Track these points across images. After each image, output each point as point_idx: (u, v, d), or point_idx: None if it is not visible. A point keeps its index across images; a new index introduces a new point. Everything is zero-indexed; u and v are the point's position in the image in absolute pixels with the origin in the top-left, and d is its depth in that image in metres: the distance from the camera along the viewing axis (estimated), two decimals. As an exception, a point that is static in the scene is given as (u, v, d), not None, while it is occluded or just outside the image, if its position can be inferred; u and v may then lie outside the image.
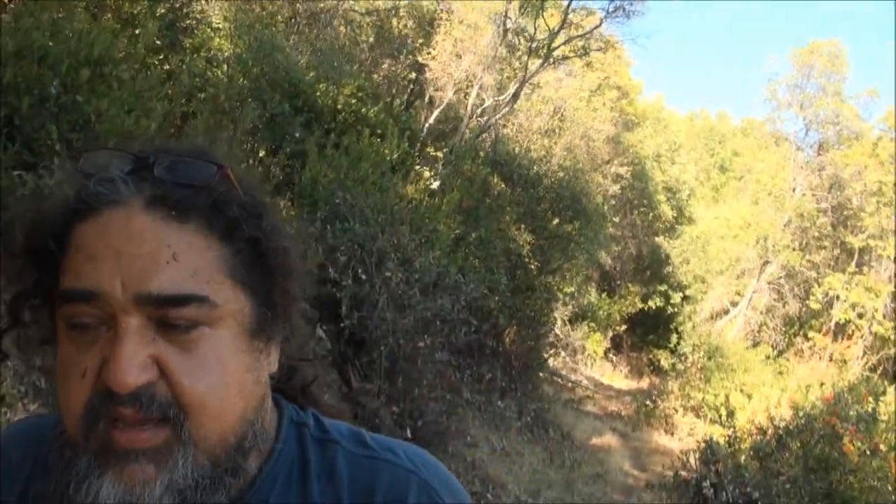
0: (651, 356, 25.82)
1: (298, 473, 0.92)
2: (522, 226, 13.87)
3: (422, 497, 0.91)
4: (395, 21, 19.70)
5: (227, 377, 0.83)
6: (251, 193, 0.90)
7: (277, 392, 1.00)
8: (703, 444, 9.09)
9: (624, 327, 25.58)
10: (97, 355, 0.81)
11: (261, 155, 8.79)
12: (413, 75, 18.93)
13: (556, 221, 14.95)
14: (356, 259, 7.07)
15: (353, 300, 6.94)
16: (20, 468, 0.96)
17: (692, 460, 8.95)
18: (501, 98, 17.30)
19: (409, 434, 6.93)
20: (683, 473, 9.28)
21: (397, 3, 19.84)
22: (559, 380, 17.66)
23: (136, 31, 7.11)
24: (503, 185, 14.04)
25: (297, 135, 8.93)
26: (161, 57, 8.79)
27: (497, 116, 17.33)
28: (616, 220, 22.37)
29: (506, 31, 17.41)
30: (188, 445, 0.81)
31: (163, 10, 9.11)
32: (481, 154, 14.82)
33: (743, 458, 9.01)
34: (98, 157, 0.88)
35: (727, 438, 9.35)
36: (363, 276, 7.01)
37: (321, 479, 0.92)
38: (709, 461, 8.61)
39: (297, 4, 14.00)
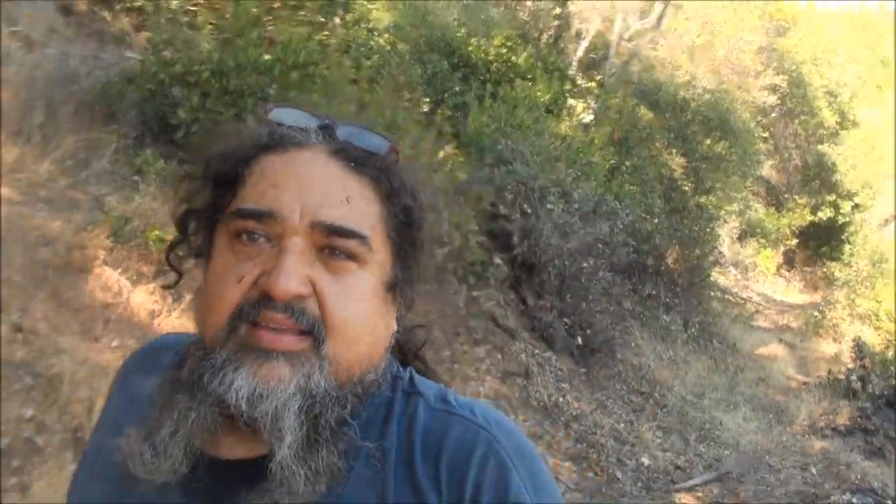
0: (825, 269, 25.34)
1: (382, 416, 0.97)
2: (673, 150, 14.31)
3: (489, 451, 0.93)
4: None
5: (365, 313, 0.93)
6: (411, 174, 1.02)
7: (394, 350, 1.08)
8: (853, 345, 9.62)
9: (795, 241, 25.15)
10: (258, 266, 0.89)
11: (425, 110, 9.82)
12: (558, 10, 19.28)
13: (707, 142, 15.26)
14: (521, 196, 8.08)
15: (522, 231, 7.97)
16: (158, 365, 1.03)
17: (847, 359, 9.51)
18: (646, 21, 17.52)
19: (579, 341, 7.94)
20: (838, 374, 9.85)
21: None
22: (729, 297, 17.84)
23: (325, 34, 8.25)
24: (651, 114, 14.49)
25: (456, 89, 9.93)
26: (326, 33, 9.98)
27: (643, 41, 17.65)
28: (765, 134, 21.97)
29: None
30: (323, 360, 0.88)
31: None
32: (630, 84, 15.26)
33: (891, 353, 9.49)
34: (287, 111, 0.99)
35: (882, 340, 9.81)
36: (528, 210, 8.02)
37: (400, 424, 0.97)
38: (859, 358, 9.17)
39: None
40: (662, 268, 12.05)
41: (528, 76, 11.24)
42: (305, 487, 0.87)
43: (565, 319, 8.06)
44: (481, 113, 9.09)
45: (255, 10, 7.25)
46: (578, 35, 17.92)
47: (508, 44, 11.76)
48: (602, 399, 8.04)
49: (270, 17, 8.57)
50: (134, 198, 5.47)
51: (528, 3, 18.95)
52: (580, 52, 16.64)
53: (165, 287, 1.31)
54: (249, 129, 1.00)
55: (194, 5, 9.17)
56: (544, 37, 18.59)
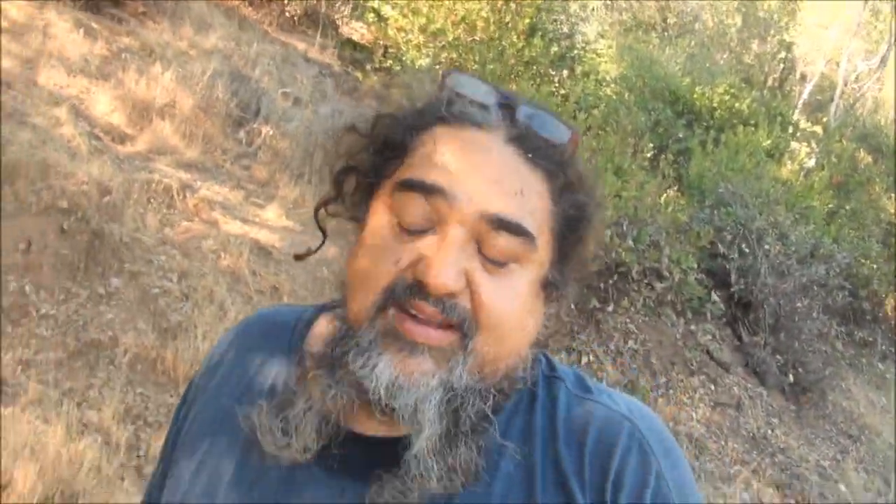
0: None
1: (527, 403, 0.97)
2: (893, 195, 14.19)
3: (631, 442, 0.92)
4: (759, 2, 20.20)
5: (517, 310, 0.90)
6: (587, 169, 0.98)
7: None
8: None
9: None
10: (415, 251, 0.87)
11: (648, 155, 10.52)
12: (782, 54, 19.34)
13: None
14: (740, 237, 8.64)
15: (740, 270, 8.53)
16: (272, 337, 1.07)
17: None
18: (871, 62, 17.34)
19: (790, 379, 8.35)
20: None
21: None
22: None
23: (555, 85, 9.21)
24: (870, 158, 14.43)
25: (680, 135, 10.59)
26: (556, 85, 10.94)
27: (867, 84, 17.46)
28: None
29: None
30: (470, 356, 0.87)
31: (556, 49, 11.23)
32: (849, 129, 15.24)
33: None
34: (468, 81, 0.95)
35: None
36: (746, 250, 8.56)
37: (544, 410, 0.96)
38: None
39: (667, 14, 15.47)
40: (880, 314, 12.00)
41: (751, 122, 11.69)
42: (439, 484, 0.86)
43: (778, 357, 8.49)
44: (704, 158, 9.71)
45: (499, 70, 8.27)
46: (803, 78, 18.00)
47: (732, 90, 12.28)
48: (810, 436, 8.37)
49: (512, 75, 9.64)
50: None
51: (754, 48, 19.18)
52: (805, 96, 16.74)
53: (298, 257, 1.13)
54: (426, 93, 0.97)
55: (437, 63, 10.42)
56: (769, 80, 18.76)
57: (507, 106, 0.92)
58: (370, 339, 0.87)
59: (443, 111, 0.92)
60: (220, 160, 6.86)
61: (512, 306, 0.89)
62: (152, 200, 5.84)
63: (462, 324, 0.86)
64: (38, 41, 7.24)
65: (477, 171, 0.87)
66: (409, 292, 0.86)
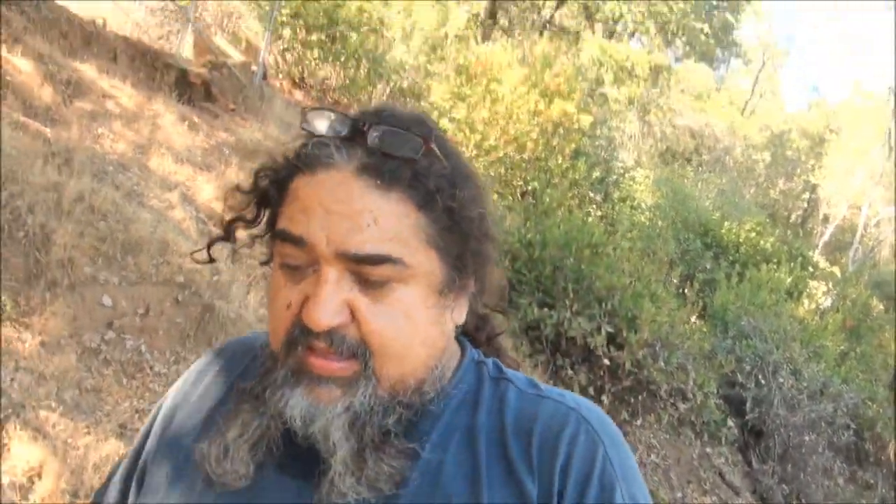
0: None
1: (470, 402, 0.99)
2: (904, 343, 14.82)
3: (578, 429, 0.94)
4: (788, 143, 21.16)
5: (411, 327, 0.92)
6: (454, 163, 0.98)
7: (466, 337, 1.10)
8: None
9: None
10: (301, 292, 0.92)
11: (675, 281, 11.29)
12: (806, 194, 20.20)
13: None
14: (757, 368, 9.36)
15: (755, 400, 9.23)
16: (233, 368, 1.12)
17: None
18: (890, 212, 18.14)
19: (795, 507, 8.97)
20: None
21: (788, 128, 21.45)
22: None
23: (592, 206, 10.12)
24: (881, 306, 15.14)
25: (707, 266, 11.39)
26: (594, 206, 11.81)
27: (889, 230, 18.26)
28: None
29: (892, 147, 18.21)
30: (371, 379, 0.91)
31: (597, 173, 12.16)
32: (865, 276, 15.98)
33: None
34: (319, 117, 0.96)
35: None
36: (762, 381, 9.27)
37: (491, 410, 0.98)
38: None
39: (702, 152, 16.48)
40: (882, 458, 12.50)
41: (774, 259, 12.48)
42: (362, 495, 0.91)
43: (784, 486, 9.10)
44: (728, 291, 10.47)
45: (556, 198, 9.16)
46: (826, 219, 18.84)
47: (758, 229, 13.12)
48: (809, 562, 8.92)
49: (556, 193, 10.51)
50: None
51: (780, 184, 20.10)
52: (826, 237, 17.55)
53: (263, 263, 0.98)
54: (289, 143, 1.00)
55: (499, 193, 11.32)
56: (793, 217, 19.65)
57: (357, 135, 0.94)
58: (283, 374, 0.93)
59: (294, 161, 0.96)
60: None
61: (402, 325, 0.92)
62: (253, 283, 6.63)
63: (356, 353, 0.91)
64: (147, 129, 8.15)
65: (329, 214, 0.90)
66: (303, 333, 0.91)
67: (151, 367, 5.48)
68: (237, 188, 1.05)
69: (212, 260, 1.11)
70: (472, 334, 1.14)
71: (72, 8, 9.69)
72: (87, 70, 8.44)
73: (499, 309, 1.17)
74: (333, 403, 0.91)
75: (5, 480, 4.11)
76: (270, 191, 0.99)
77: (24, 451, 4.30)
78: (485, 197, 1.02)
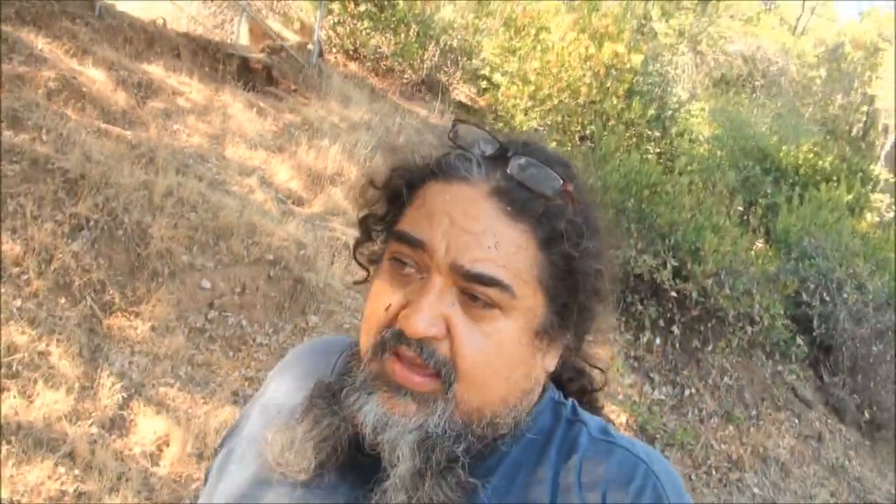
0: None
1: (542, 442, 0.99)
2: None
3: (646, 483, 0.94)
4: (842, 57, 20.93)
5: (501, 359, 0.93)
6: (587, 214, 0.99)
7: (558, 387, 1.10)
8: None
9: None
10: (403, 297, 0.93)
11: (739, 209, 11.61)
12: (865, 107, 20.07)
13: None
14: (822, 286, 9.75)
15: (821, 317, 9.67)
16: (317, 365, 1.12)
17: None
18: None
19: (866, 416, 9.39)
20: None
21: (841, 41, 21.21)
22: None
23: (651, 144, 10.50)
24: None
25: (768, 191, 11.69)
26: (652, 143, 12.14)
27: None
28: None
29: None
30: (450, 402, 0.91)
31: (652, 111, 12.45)
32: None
33: None
34: (468, 132, 1.00)
35: None
36: (827, 299, 9.67)
37: (560, 450, 0.98)
38: None
39: (756, 76, 16.53)
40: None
41: (834, 178, 12.70)
42: None
43: (855, 396, 9.55)
44: (789, 214, 10.80)
45: (613, 143, 9.57)
46: (885, 130, 18.76)
47: (815, 149, 13.31)
48: (882, 468, 9.31)
49: (613, 134, 10.88)
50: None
51: (838, 100, 19.99)
52: (888, 148, 17.52)
53: (356, 283, 1.09)
54: (431, 146, 1.02)
55: (558, 141, 11.71)
56: (853, 131, 19.58)
57: (500, 157, 0.95)
58: (363, 378, 0.94)
59: (433, 167, 0.97)
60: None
61: (493, 355, 0.91)
62: (336, 253, 7.24)
63: (441, 370, 0.90)
64: (219, 120, 8.78)
65: (454, 224, 0.91)
66: (395, 338, 0.91)
67: (254, 339, 6.15)
68: (370, 181, 1.06)
69: (363, 266, 1.10)
70: (565, 385, 1.13)
71: (130, 11, 10.32)
72: (155, 70, 9.07)
73: (599, 366, 1.16)
74: (408, 417, 0.91)
75: (137, 451, 4.79)
76: (403, 190, 1.00)
77: (150, 424, 4.95)
78: (605, 254, 1.02)
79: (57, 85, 7.57)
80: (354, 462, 0.97)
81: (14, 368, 4.82)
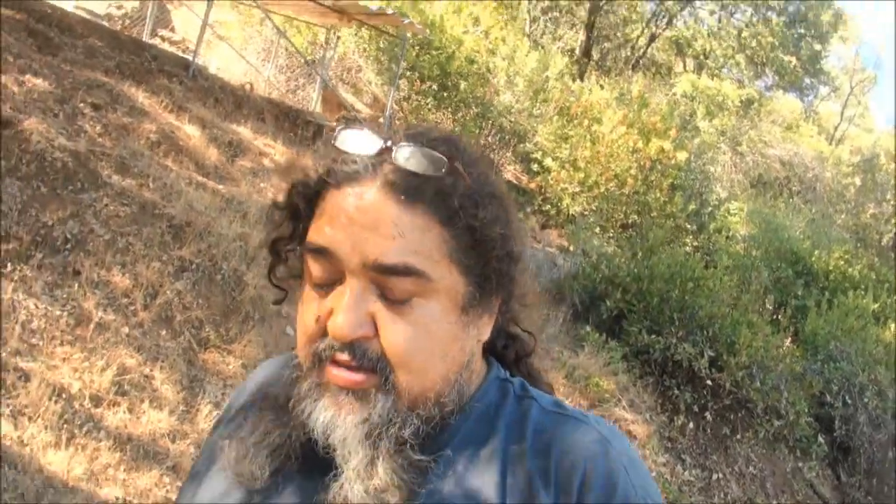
0: None
1: (490, 417, 1.01)
2: None
3: (599, 449, 0.95)
4: (877, 167, 21.51)
5: (432, 342, 0.94)
6: (479, 183, 1.00)
7: (494, 356, 1.11)
8: None
9: None
10: (328, 305, 0.95)
11: (770, 308, 12.17)
12: (894, 220, 20.62)
13: None
14: (844, 389, 10.26)
15: (842, 419, 10.19)
16: (269, 377, 1.15)
17: None
18: None
19: (883, 519, 9.86)
20: None
21: (878, 152, 21.85)
22: None
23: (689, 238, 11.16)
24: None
25: (798, 293, 12.26)
26: (690, 237, 12.77)
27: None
28: None
29: None
30: (390, 393, 0.93)
31: (693, 206, 13.12)
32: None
33: None
34: (349, 136, 0.99)
35: None
36: (849, 402, 10.17)
37: (510, 425, 0.99)
38: None
39: (793, 181, 17.20)
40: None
41: (862, 286, 13.24)
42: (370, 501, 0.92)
43: (870, 498, 10.02)
44: (818, 317, 11.35)
45: (660, 237, 10.24)
46: (917, 244, 19.26)
47: (846, 256, 13.90)
48: (896, 571, 9.76)
49: (654, 226, 11.54)
50: (578, 354, 8.50)
51: (870, 208, 20.54)
52: (916, 260, 17.99)
53: (275, 303, 1.09)
54: (318, 157, 1.02)
55: (601, 226, 12.36)
56: (884, 240, 20.10)
57: (384, 151, 0.96)
58: (307, 388, 0.97)
59: (323, 175, 0.98)
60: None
61: (423, 340, 0.93)
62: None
63: (376, 366, 0.93)
64: (302, 181, 9.49)
65: (354, 225, 0.92)
66: (328, 346, 0.94)
67: (330, 384, 6.77)
68: (273, 204, 1.07)
69: (279, 287, 1.12)
70: (500, 353, 1.14)
71: (211, 69, 11.11)
72: (243, 131, 9.84)
73: (529, 330, 1.17)
74: (353, 415, 0.93)
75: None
76: (301, 206, 1.01)
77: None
78: (510, 217, 1.03)
79: (157, 137, 8.28)
80: (311, 465, 0.99)
81: (124, 387, 5.41)
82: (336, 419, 0.94)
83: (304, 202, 1.01)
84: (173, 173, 7.65)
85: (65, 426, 4.85)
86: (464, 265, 0.96)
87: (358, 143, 0.98)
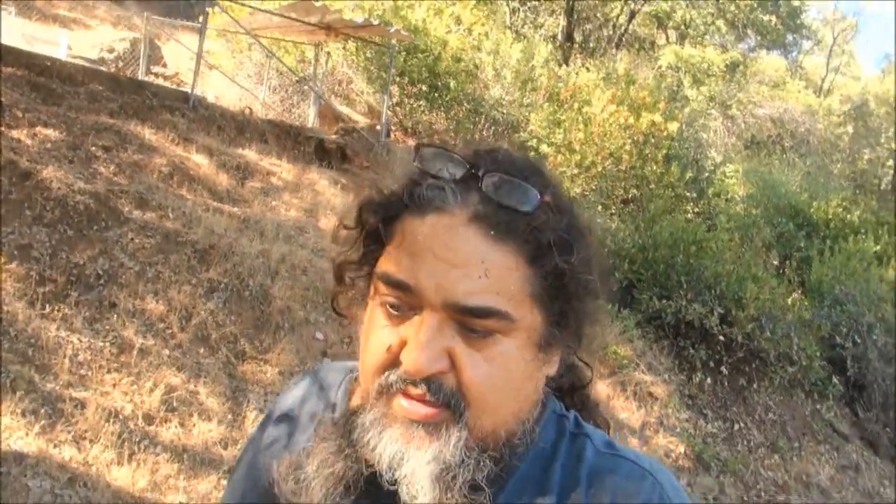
0: None
1: (547, 456, 0.98)
2: None
3: (652, 495, 0.94)
4: (868, 113, 21.73)
5: (509, 380, 0.91)
6: (569, 219, 0.96)
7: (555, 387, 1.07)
8: None
9: None
10: (401, 335, 0.91)
11: (775, 263, 12.50)
12: (891, 162, 20.85)
13: None
14: (853, 330, 10.62)
15: (854, 358, 10.59)
16: (323, 396, 1.14)
17: None
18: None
19: (900, 448, 10.21)
20: None
21: (865, 97, 22.10)
22: None
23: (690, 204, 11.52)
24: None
25: (801, 245, 12.59)
26: (691, 204, 13.10)
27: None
28: None
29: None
30: (463, 430, 0.89)
31: (690, 174, 13.45)
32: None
33: None
34: (435, 155, 0.95)
35: None
36: (858, 341, 10.54)
37: (566, 464, 0.97)
38: None
39: (785, 137, 17.49)
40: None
41: (862, 230, 13.55)
42: None
43: (888, 430, 10.39)
44: (821, 265, 11.69)
45: (660, 207, 10.60)
46: (914, 183, 19.52)
47: (844, 204, 14.21)
48: (918, 497, 10.10)
49: (654, 198, 11.89)
50: (593, 327, 8.85)
51: (866, 154, 20.79)
52: (916, 199, 18.26)
53: (337, 314, 1.05)
54: (399, 177, 0.98)
55: (602, 204, 12.69)
56: (882, 183, 20.36)
57: (471, 178, 0.92)
58: (372, 418, 0.93)
59: (406, 199, 0.94)
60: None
61: (500, 379, 0.90)
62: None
63: (450, 402, 0.89)
64: (310, 195, 9.86)
65: (439, 260, 0.88)
66: (399, 379, 0.90)
67: (362, 384, 7.16)
68: (341, 224, 1.03)
69: (339, 314, 1.09)
70: (557, 381, 1.07)
71: (209, 99, 11.47)
72: (249, 154, 10.21)
73: (587, 361, 1.14)
74: (423, 449, 0.90)
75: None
76: (376, 228, 0.97)
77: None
78: (595, 256, 1.00)
79: (169, 170, 8.66)
80: (371, 499, 0.96)
81: (172, 404, 5.81)
82: (405, 452, 0.91)
83: (379, 225, 0.97)
84: (189, 202, 8.03)
85: (124, 444, 5.23)
86: (546, 305, 0.94)
87: (443, 165, 0.94)
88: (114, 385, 5.81)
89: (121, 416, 5.49)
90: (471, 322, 0.89)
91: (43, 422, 5.13)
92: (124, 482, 5.01)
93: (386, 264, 0.93)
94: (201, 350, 6.49)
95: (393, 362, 0.91)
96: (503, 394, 0.92)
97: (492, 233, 0.89)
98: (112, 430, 5.29)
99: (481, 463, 0.90)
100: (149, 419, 5.62)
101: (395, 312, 0.92)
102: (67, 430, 5.20)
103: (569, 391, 1.14)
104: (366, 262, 0.99)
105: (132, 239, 7.03)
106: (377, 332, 0.94)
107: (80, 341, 6.02)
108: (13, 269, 6.19)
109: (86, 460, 5.06)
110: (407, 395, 0.90)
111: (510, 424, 0.94)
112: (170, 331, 6.50)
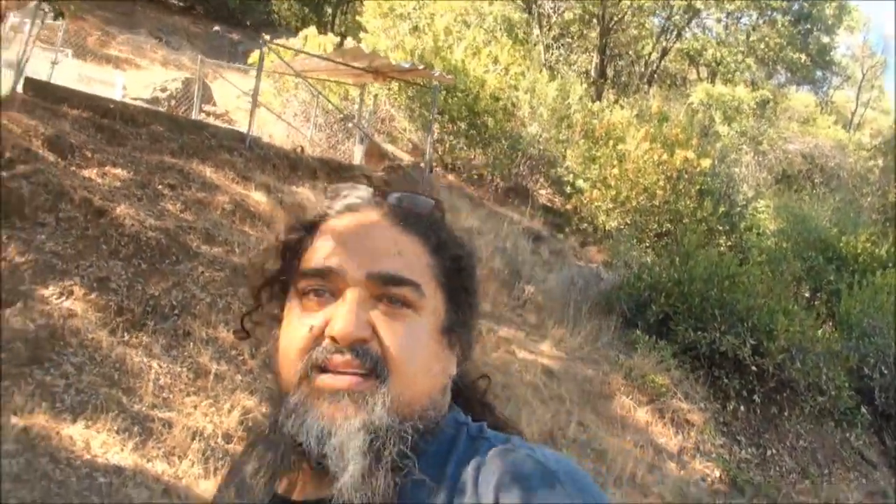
0: None
1: (442, 455, 1.01)
2: None
3: (536, 467, 0.95)
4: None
5: (422, 353, 1.01)
6: (453, 226, 1.14)
7: (460, 400, 1.13)
8: None
9: None
10: (324, 316, 0.99)
11: (806, 295, 12.88)
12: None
13: None
14: (881, 361, 11.00)
15: (881, 388, 10.97)
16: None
17: None
18: None
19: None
20: None
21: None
22: None
23: (722, 238, 11.98)
24: None
25: (831, 278, 12.98)
26: (724, 237, 13.53)
27: None
28: None
29: None
30: (388, 395, 0.95)
31: (723, 208, 13.90)
32: None
33: None
34: (346, 186, 1.11)
35: None
36: (885, 372, 10.92)
37: (461, 462, 0.99)
38: None
39: (815, 173, 17.84)
40: None
41: (889, 264, 13.90)
42: None
43: (914, 459, 10.72)
44: (850, 298, 12.07)
45: (694, 242, 11.07)
46: (943, 217, 19.70)
47: (873, 238, 14.56)
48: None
49: (707, 241, 12.34)
50: (632, 356, 9.36)
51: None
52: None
53: (239, 337, 1.18)
54: (314, 203, 1.46)
55: (637, 238, 13.14)
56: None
57: (379, 194, 1.10)
58: (297, 400, 0.97)
59: (326, 209, 1.09)
60: (503, 311, 9.85)
61: (416, 349, 1.00)
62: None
63: (375, 367, 0.96)
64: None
65: (359, 243, 1.02)
66: (324, 351, 0.96)
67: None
68: (265, 248, 1.15)
69: (247, 334, 1.20)
70: (467, 395, 1.17)
71: (264, 139, 11.99)
72: (303, 191, 10.69)
73: (483, 374, 1.24)
74: (350, 420, 0.94)
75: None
76: (296, 240, 1.09)
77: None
78: (476, 263, 1.15)
79: (231, 207, 9.15)
80: (312, 480, 1.01)
81: (249, 424, 6.29)
82: (332, 425, 0.95)
83: (300, 235, 1.09)
84: (252, 237, 8.55)
85: (209, 461, 5.72)
86: (447, 291, 1.07)
87: (354, 189, 1.11)
88: (195, 407, 6.30)
89: (204, 435, 5.97)
90: (389, 291, 1.00)
91: (136, 439, 5.63)
92: (212, 495, 5.49)
93: (308, 261, 1.04)
94: (270, 375, 6.95)
95: (316, 341, 0.99)
96: (418, 364, 1.00)
97: (401, 224, 1.06)
98: (197, 447, 5.75)
99: (403, 432, 0.96)
100: (227, 438, 6.09)
101: (318, 298, 1.01)
102: (158, 447, 5.68)
103: (480, 403, 1.21)
104: (283, 274, 1.09)
105: (203, 272, 7.49)
106: (296, 323, 1.02)
107: (161, 366, 6.49)
108: (93, 300, 6.63)
109: (176, 474, 5.54)
110: (332, 369, 0.97)
111: (423, 400, 1.01)
112: (241, 357, 6.98)
